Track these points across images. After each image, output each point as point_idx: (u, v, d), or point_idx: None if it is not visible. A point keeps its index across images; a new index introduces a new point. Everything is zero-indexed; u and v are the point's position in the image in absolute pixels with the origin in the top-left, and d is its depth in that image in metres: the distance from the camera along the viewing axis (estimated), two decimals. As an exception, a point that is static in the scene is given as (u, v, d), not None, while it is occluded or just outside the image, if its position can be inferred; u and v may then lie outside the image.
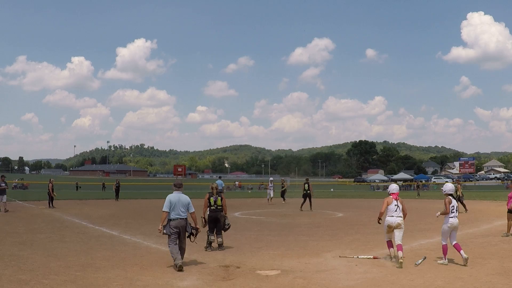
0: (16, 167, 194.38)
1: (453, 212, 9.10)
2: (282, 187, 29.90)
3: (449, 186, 9.51)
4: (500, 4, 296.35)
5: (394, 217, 9.28)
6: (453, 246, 9.05)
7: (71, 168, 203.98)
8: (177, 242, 8.96)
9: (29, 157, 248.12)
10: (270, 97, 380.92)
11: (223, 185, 27.48)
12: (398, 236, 9.23)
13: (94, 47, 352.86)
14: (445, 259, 9.06)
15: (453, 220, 9.07)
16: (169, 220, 9.00)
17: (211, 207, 11.15)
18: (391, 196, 9.52)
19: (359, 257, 9.69)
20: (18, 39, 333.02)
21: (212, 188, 11.32)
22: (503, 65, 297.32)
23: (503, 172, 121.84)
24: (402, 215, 9.34)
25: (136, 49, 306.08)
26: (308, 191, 23.10)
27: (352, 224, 16.89)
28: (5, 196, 21.15)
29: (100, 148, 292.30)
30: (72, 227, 15.52)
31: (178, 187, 9.47)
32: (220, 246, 11.06)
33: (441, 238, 9.37)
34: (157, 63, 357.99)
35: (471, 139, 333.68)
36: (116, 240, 12.65)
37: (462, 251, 8.91)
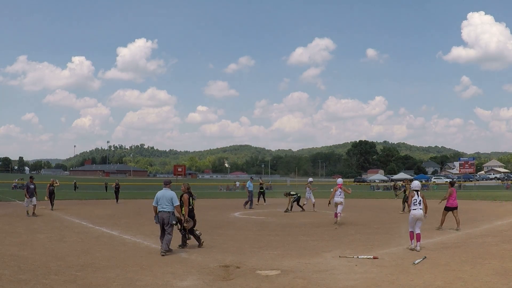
0: (16, 167, 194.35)
1: (416, 205, 10.82)
2: (261, 188, 28.41)
3: (415, 183, 11.43)
4: (500, 4, 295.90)
5: (338, 198, 16.45)
6: (415, 234, 10.69)
7: (71, 168, 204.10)
8: (163, 231, 10.41)
9: (29, 157, 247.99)
10: (271, 97, 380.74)
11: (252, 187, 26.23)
12: (340, 208, 16.40)
13: (94, 47, 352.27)
14: (411, 244, 10.72)
15: (415, 212, 10.78)
16: (158, 212, 10.51)
17: (189, 207, 11.25)
18: (337, 186, 16.73)
19: (359, 257, 9.69)
20: (18, 39, 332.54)
21: (188, 188, 11.47)
22: (504, 65, 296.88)
23: (503, 172, 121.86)
24: (343, 197, 16.56)
25: (136, 49, 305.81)
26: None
27: (352, 224, 16.88)
28: (35, 198, 19.78)
29: (100, 148, 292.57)
30: (72, 227, 15.52)
31: (166, 184, 10.87)
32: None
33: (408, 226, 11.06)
34: (158, 63, 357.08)
35: (471, 139, 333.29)
36: (116, 240, 12.65)
37: (419, 243, 10.58)
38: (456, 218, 14.42)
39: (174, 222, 10.45)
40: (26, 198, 19.63)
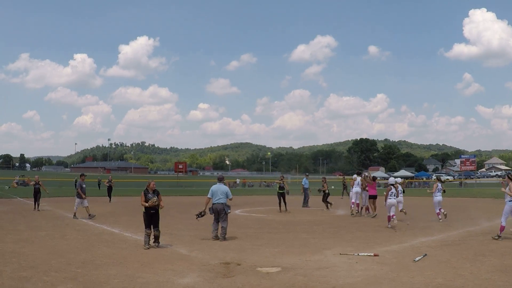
0: (17, 164, 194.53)
1: (391, 196, 14.92)
2: None
3: (390, 180, 16.15)
4: (502, 1, 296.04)
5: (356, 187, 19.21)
6: (391, 215, 14.56)
7: (72, 165, 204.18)
8: (217, 221, 12.14)
9: (30, 155, 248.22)
10: (272, 95, 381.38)
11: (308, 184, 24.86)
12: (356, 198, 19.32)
13: (96, 45, 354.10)
14: (389, 224, 14.57)
15: (389, 201, 14.84)
16: (212, 204, 12.16)
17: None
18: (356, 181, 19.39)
19: (359, 254, 9.69)
20: (21, 37, 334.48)
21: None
22: (506, 62, 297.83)
23: (504, 169, 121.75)
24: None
25: (138, 47, 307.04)
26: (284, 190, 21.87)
27: (353, 221, 16.89)
28: (86, 200, 17.94)
29: (101, 145, 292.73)
30: (73, 225, 15.54)
31: (220, 179, 12.57)
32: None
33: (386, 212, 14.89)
34: (160, 61, 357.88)
35: (472, 136, 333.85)
36: (117, 237, 12.67)
37: (394, 217, 14.49)
38: (374, 205, 17.99)
39: (229, 211, 12.14)
40: (78, 199, 17.74)
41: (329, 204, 22.21)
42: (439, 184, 16.64)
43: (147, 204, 10.90)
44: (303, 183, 24.81)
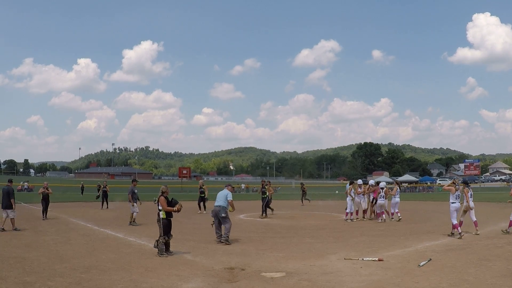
0: (21, 170, 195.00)
1: (381, 197, 17.84)
2: (201, 193, 24.43)
3: (381, 184, 18.57)
4: (506, 5, 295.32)
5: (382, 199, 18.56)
6: (384, 211, 18.00)
7: (76, 171, 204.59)
8: (217, 223, 12.47)
9: (34, 160, 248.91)
10: (276, 99, 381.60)
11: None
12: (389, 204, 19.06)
13: (100, 49, 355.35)
14: (387, 217, 18.09)
15: (380, 201, 17.93)
16: (214, 206, 12.57)
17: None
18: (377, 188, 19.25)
19: (364, 259, 9.67)
20: (25, 42, 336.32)
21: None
22: (510, 67, 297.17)
23: (508, 173, 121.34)
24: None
25: (142, 51, 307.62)
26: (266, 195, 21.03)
27: (357, 226, 16.85)
28: (136, 206, 17.49)
29: (105, 150, 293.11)
30: (77, 229, 15.57)
31: (226, 186, 13.14)
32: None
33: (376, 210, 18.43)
34: (164, 66, 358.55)
35: (476, 140, 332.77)
36: (121, 242, 12.67)
37: (384, 215, 17.91)
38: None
39: (223, 214, 12.24)
40: (133, 204, 17.41)
41: (271, 210, 21.69)
42: (398, 188, 18.94)
43: (175, 209, 10.52)
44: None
